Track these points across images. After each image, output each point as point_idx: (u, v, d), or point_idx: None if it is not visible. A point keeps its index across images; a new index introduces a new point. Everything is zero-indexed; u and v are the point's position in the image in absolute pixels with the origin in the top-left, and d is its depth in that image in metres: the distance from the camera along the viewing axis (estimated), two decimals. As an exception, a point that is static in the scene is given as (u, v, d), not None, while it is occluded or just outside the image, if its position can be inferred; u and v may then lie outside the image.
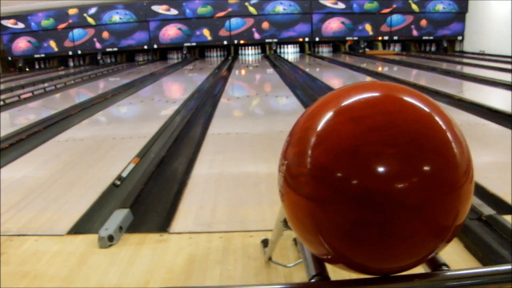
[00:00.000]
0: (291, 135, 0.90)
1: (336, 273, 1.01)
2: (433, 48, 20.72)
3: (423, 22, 20.19)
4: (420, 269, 0.86)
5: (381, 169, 0.74)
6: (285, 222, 1.79)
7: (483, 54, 16.93)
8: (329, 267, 0.95)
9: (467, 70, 12.16)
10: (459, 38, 19.98)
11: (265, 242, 2.53)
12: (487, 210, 2.91)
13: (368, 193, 0.75)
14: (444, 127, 0.79)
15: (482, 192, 3.30)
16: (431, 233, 0.78)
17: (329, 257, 0.88)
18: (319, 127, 0.82)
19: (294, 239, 2.55)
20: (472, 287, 0.74)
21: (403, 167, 0.75)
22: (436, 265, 0.80)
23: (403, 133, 0.76)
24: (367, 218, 0.76)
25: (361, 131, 0.78)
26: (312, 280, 0.89)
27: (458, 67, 13.24)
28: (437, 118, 0.79)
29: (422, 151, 0.75)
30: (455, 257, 2.43)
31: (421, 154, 0.75)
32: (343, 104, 0.83)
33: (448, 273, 0.77)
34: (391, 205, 0.75)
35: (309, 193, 0.81)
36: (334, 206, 0.78)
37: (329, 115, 0.82)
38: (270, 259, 2.38)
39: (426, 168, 0.74)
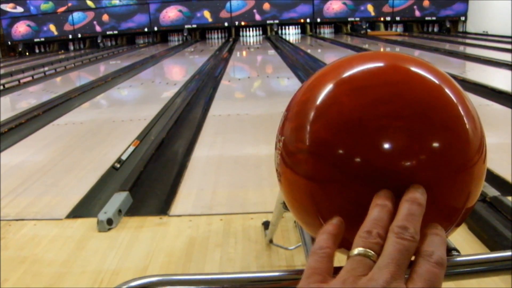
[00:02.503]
0: (288, 109, 0.81)
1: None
2: (435, 29, 20.55)
3: (426, 3, 20.01)
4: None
5: (386, 145, 0.66)
6: (284, 204, 1.75)
7: (486, 34, 16.80)
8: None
9: (470, 50, 12.06)
10: (462, 18, 19.79)
11: (266, 224, 2.50)
12: (492, 192, 2.88)
13: (372, 171, 0.67)
14: (455, 100, 0.70)
15: (486, 173, 3.26)
16: (439, 215, 0.69)
17: None
18: (319, 100, 0.74)
19: (295, 221, 2.51)
20: (486, 273, 0.69)
21: (411, 142, 0.66)
22: (446, 250, 0.75)
23: (410, 105, 0.68)
24: (371, 199, 0.65)
25: (364, 102, 0.69)
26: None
27: (461, 48, 13.14)
28: (447, 90, 0.71)
29: (431, 125, 0.67)
30: (459, 239, 2.40)
31: (430, 128, 0.67)
32: (344, 75, 0.75)
33: (459, 259, 0.72)
34: (397, 184, 0.65)
35: (308, 172, 0.73)
36: (335, 186, 0.70)
37: (329, 86, 0.74)
38: (271, 241, 2.34)
39: (435, 144, 0.66)
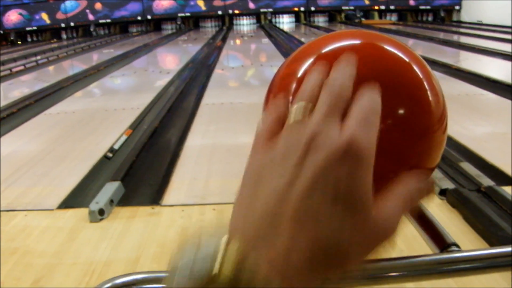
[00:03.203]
0: (272, 84, 0.84)
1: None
2: (430, 18, 20.51)
3: (421, -9, 19.99)
4: (427, 250, 0.79)
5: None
6: None
7: (481, 24, 16.78)
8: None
9: (465, 40, 12.03)
10: (457, 8, 19.75)
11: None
12: (487, 181, 2.87)
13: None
14: (421, 76, 0.79)
15: (481, 163, 3.25)
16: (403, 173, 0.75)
17: None
18: (300, 73, 0.79)
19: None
20: (487, 270, 0.67)
21: None
22: (445, 245, 0.73)
23: (380, 77, 0.74)
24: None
25: None
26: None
27: (455, 37, 13.12)
28: (415, 68, 0.80)
29: (397, 96, 0.76)
30: (454, 230, 2.38)
31: (396, 99, 0.75)
32: (323, 51, 0.82)
33: (459, 254, 0.69)
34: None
35: None
36: None
37: (309, 61, 0.79)
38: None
39: (400, 111, 0.75)
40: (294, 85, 0.77)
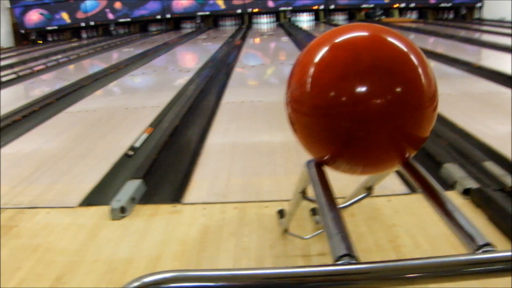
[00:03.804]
0: (293, 70, 1.19)
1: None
2: (451, 16, 20.31)
3: (441, -11, 19.79)
4: (450, 250, 0.77)
5: (363, 89, 1.01)
6: (303, 193, 1.71)
7: (503, 21, 16.57)
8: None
9: (487, 37, 11.87)
10: (478, 5, 19.52)
11: (281, 213, 2.46)
12: (511, 181, 2.82)
13: (353, 107, 1.02)
14: (417, 65, 1.04)
15: (504, 162, 3.20)
16: (400, 139, 1.07)
17: (325, 158, 1.21)
18: (317, 60, 1.08)
19: (312, 210, 2.47)
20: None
21: (380, 89, 1.00)
22: (480, 246, 0.71)
23: (383, 64, 1.01)
24: (354, 127, 1.04)
25: (351, 62, 1.03)
26: (339, 262, 0.80)
27: (477, 35, 12.94)
28: (412, 57, 1.04)
29: (396, 78, 1.01)
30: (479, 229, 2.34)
31: (395, 80, 1.00)
32: (336, 41, 1.08)
33: (493, 255, 0.67)
34: (371, 118, 1.02)
35: (310, 108, 1.11)
36: (331, 118, 1.06)
37: (324, 50, 1.07)
38: (286, 231, 2.30)
39: (398, 89, 0.99)
40: (312, 71, 1.07)
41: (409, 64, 1.03)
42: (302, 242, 2.27)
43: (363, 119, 1.02)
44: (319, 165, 1.29)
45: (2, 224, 2.71)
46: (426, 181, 1.14)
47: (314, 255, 2.18)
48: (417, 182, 1.16)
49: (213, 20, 21.48)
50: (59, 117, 5.45)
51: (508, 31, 12.46)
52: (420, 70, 1.03)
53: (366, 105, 1.00)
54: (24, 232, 2.60)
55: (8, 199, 3.08)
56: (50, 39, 21.39)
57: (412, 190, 2.77)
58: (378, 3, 20.34)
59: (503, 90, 5.48)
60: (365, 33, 1.07)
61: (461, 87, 5.75)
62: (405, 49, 1.04)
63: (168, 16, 20.80)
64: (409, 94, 1.00)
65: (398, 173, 1.56)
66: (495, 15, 17.88)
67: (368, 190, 1.65)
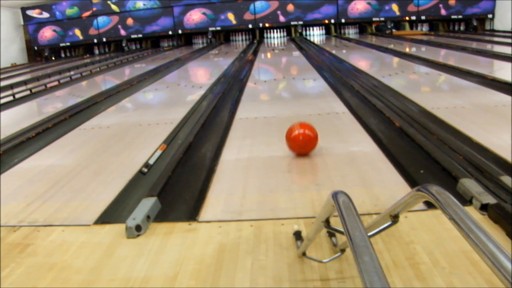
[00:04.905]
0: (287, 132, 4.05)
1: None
2: (462, 28, 20.28)
3: (452, 1, 19.74)
4: (482, 266, 0.75)
5: (301, 138, 3.94)
6: (327, 222, 1.69)
7: (515, 32, 16.52)
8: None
9: (499, 49, 11.81)
10: (490, 16, 19.48)
11: (297, 235, 2.43)
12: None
13: (302, 139, 3.93)
14: (315, 137, 3.94)
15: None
16: (313, 138, 3.92)
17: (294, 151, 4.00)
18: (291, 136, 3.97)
19: (328, 231, 2.44)
20: None
21: (305, 142, 3.94)
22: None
23: (306, 139, 3.94)
24: (302, 142, 3.93)
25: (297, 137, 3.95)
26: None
27: (488, 46, 12.87)
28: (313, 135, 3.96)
29: (314, 139, 3.96)
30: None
31: (315, 139, 3.95)
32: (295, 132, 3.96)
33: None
34: (304, 139, 3.92)
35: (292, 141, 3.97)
36: (296, 141, 3.94)
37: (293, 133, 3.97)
38: (304, 254, 2.27)
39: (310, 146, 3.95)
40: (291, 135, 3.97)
41: (314, 139, 3.93)
42: (320, 263, 2.24)
43: (303, 141, 3.92)
44: (348, 196, 1.28)
45: (18, 242, 2.71)
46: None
47: (332, 278, 2.15)
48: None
49: (224, 35, 21.61)
50: (73, 133, 5.47)
51: (521, 42, 12.41)
52: (315, 141, 3.94)
53: (303, 138, 3.92)
54: (40, 250, 2.60)
55: (24, 216, 3.08)
56: (63, 55, 21.60)
57: (429, 206, 2.74)
58: (389, 16, 20.36)
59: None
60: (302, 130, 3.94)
61: (475, 99, 5.71)
62: (314, 131, 3.95)
63: (180, 31, 20.95)
64: (312, 141, 3.92)
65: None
66: (507, 26, 17.82)
67: (394, 218, 1.62)
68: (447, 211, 1.16)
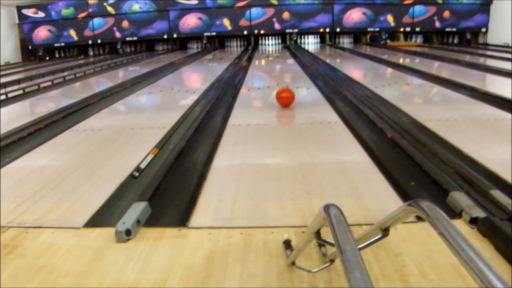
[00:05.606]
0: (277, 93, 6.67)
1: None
2: (456, 40, 20.41)
3: (446, 14, 19.87)
4: (469, 281, 0.76)
5: (284, 95, 6.48)
6: (317, 234, 1.70)
7: (508, 46, 16.63)
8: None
9: (492, 63, 11.89)
10: (483, 30, 19.63)
11: (287, 244, 2.44)
12: (518, 210, 2.80)
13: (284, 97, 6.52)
14: (294, 94, 6.57)
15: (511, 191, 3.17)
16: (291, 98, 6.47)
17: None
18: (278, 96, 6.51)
19: (318, 242, 2.44)
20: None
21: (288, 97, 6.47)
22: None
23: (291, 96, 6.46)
24: (285, 99, 6.50)
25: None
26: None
27: (481, 60, 12.95)
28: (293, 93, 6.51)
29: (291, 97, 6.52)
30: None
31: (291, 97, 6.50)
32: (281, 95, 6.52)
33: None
34: (287, 97, 6.47)
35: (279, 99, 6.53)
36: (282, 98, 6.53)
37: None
38: (293, 263, 2.27)
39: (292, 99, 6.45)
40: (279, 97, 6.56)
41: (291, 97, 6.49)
42: (309, 273, 2.24)
43: (285, 97, 6.47)
44: (339, 210, 1.29)
45: (6, 243, 2.70)
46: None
47: (321, 285, 2.16)
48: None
49: (219, 41, 21.64)
50: (65, 135, 5.46)
51: (513, 57, 12.49)
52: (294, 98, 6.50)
53: (286, 97, 6.47)
54: (28, 252, 2.59)
55: (13, 217, 3.07)
56: (57, 55, 21.55)
57: (419, 218, 2.75)
58: (384, 27, 20.46)
59: (508, 116, 5.44)
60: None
61: (467, 112, 5.73)
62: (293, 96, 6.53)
63: (175, 36, 20.96)
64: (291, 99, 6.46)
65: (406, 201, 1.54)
66: (500, 40, 17.94)
67: (385, 231, 1.62)
68: (438, 227, 1.17)
